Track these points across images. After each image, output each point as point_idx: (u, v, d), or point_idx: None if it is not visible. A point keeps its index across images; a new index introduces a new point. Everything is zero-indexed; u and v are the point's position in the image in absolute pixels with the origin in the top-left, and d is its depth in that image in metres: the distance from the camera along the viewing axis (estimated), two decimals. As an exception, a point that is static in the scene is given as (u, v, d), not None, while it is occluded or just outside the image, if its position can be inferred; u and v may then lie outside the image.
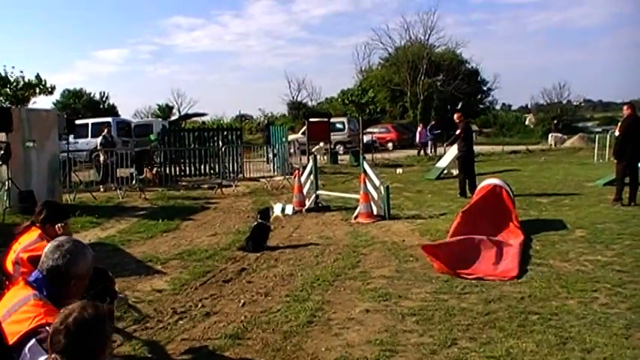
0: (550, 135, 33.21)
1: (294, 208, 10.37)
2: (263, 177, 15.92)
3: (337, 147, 28.38)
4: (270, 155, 18.15)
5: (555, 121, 37.00)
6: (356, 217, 9.21)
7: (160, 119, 36.26)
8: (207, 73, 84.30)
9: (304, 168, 11.55)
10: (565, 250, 6.53)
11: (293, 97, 55.77)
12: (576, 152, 26.98)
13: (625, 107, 10.06)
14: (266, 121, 48.29)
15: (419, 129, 26.99)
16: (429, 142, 26.39)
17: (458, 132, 12.37)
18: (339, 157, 22.98)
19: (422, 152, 25.60)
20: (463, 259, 5.90)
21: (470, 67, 47.09)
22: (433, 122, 27.17)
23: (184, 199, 12.52)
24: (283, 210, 10.22)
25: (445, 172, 16.35)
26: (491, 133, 43.46)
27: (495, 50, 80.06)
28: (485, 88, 49.89)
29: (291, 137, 24.14)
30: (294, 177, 11.38)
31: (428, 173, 16.39)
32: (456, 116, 12.78)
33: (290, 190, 12.59)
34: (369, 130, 32.52)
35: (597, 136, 24.32)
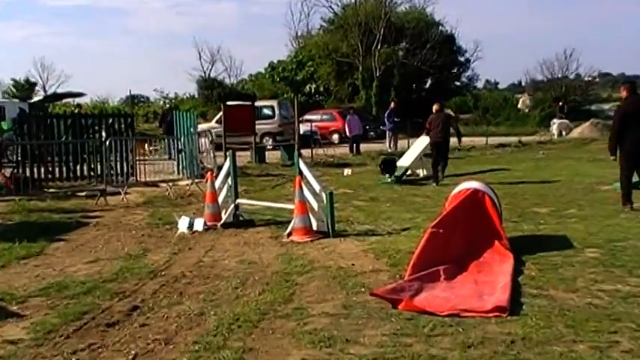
0: (553, 122, 33.85)
1: (205, 223, 10.25)
2: (163, 181, 15.67)
3: (265, 140, 28.36)
4: (174, 151, 17.90)
5: (560, 103, 37.34)
6: (289, 235, 9.19)
7: (17, 100, 35.06)
8: (84, 37, 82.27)
9: (219, 169, 11.40)
10: (571, 277, 6.66)
11: (204, 73, 55.42)
12: (587, 144, 27.91)
13: (622, 88, 10.68)
14: (167, 106, 47.75)
15: (349, 117, 26.71)
16: (388, 133, 26.77)
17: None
18: (268, 154, 22.95)
19: (354, 150, 25.47)
20: (434, 295, 5.99)
21: (443, 31, 48.04)
22: (392, 105, 27.39)
23: (52, 212, 12.13)
24: (191, 226, 10.09)
25: (409, 172, 16.63)
26: (471, 119, 44.39)
27: (477, 9, 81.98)
28: (462, 60, 51.09)
29: (201, 127, 23.91)
30: (206, 181, 11.27)
31: (386, 175, 16.62)
32: (435, 107, 14.60)
33: (200, 199, 12.40)
34: (307, 117, 32.67)
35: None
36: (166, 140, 19.22)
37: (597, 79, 53.42)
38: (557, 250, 7.80)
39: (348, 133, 26.30)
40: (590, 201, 11.78)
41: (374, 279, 6.78)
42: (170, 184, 15.20)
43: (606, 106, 49.80)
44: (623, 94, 10.65)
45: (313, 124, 28.84)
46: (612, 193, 12.61)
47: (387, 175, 16.00)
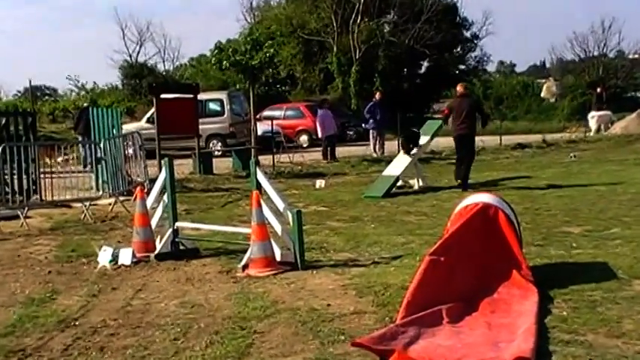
0: (591, 114, 33.87)
1: (134, 254, 10.19)
2: (78, 200, 15.53)
3: (212, 144, 28.30)
4: (91, 160, 17.75)
5: (598, 90, 37.18)
6: (245, 268, 9.16)
7: None
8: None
9: (152, 183, 11.33)
10: (615, 317, 6.66)
11: (130, 57, 55.23)
12: (633, 142, 28.16)
13: None
14: (85, 101, 47.25)
15: (319, 111, 26.85)
16: (372, 133, 26.84)
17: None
18: (215, 162, 22.88)
19: (328, 155, 25.64)
20: (435, 344, 6.00)
21: (441, 0, 48.23)
22: (378, 96, 27.43)
23: None
24: (115, 258, 10.03)
25: (400, 183, 16.68)
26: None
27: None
28: (468, 36, 51.41)
29: (127, 127, 23.77)
30: (135, 199, 11.19)
31: (370, 188, 16.67)
32: (459, 89, 16.53)
33: (128, 223, 12.31)
34: (266, 113, 32.71)
35: None
36: (82, 146, 19.10)
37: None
38: (595, 282, 7.81)
39: (320, 134, 26.36)
40: (637, 217, 11.88)
41: (356, 324, 6.77)
42: (87, 203, 15.06)
43: (658, 93, 50.19)
44: None
45: (275, 122, 28.81)
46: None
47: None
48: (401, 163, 17.02)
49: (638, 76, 49.00)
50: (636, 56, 49.50)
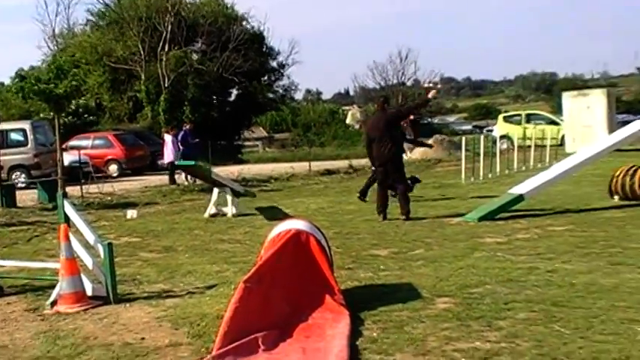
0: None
1: None
2: None
3: (14, 176, 27.31)
4: None
5: (411, 117, 38.82)
6: (54, 304, 8.84)
7: None
8: None
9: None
10: (421, 336, 6.86)
11: None
12: (431, 167, 29.40)
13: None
14: None
15: (166, 137, 27.18)
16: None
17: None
18: (19, 195, 22.06)
19: (176, 178, 25.79)
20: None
21: (248, 28, 48.79)
22: (187, 126, 27.62)
23: None
24: None
25: (213, 211, 16.70)
26: (289, 140, 45.39)
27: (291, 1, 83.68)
28: (275, 65, 52.14)
29: None
30: None
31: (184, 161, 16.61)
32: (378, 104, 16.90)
33: None
34: (73, 143, 31.89)
35: (464, 139, 26.83)
36: None
37: (439, 84, 56.53)
38: (402, 302, 8.03)
39: (167, 159, 26.57)
40: (438, 238, 12.32)
41: (172, 356, 6.66)
42: None
43: (451, 119, 53.10)
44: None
45: (83, 152, 28.20)
46: (465, 226, 13.44)
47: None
48: (213, 190, 17.00)
49: (433, 103, 51.58)
50: (430, 85, 52.13)
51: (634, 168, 15.44)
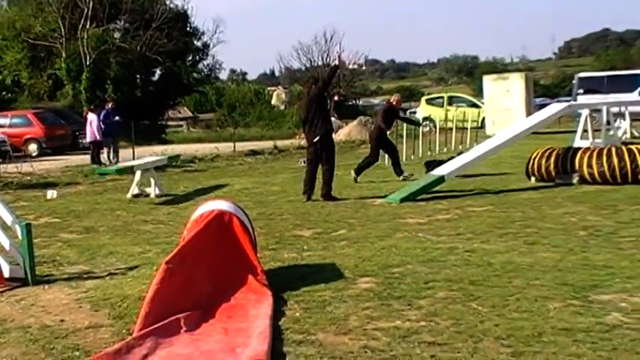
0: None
1: None
2: None
3: None
4: None
5: (335, 98, 39.03)
6: (-29, 287, 8.69)
7: None
8: None
9: None
10: (343, 315, 6.92)
11: None
12: (355, 149, 29.59)
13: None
14: None
15: (90, 116, 26.72)
16: (106, 140, 26.41)
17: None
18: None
19: (100, 158, 25.47)
20: (173, 354, 5.98)
21: (172, 7, 48.23)
22: (109, 104, 27.28)
23: None
24: None
25: (136, 192, 16.54)
26: (213, 120, 45.00)
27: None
28: (199, 45, 51.68)
29: None
30: None
31: (104, 169, 16.42)
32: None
33: None
34: (-10, 121, 31.17)
35: None
36: None
37: (364, 68, 56.78)
38: (325, 282, 8.09)
39: (90, 138, 26.38)
40: (361, 219, 12.41)
41: (92, 338, 6.58)
42: None
43: (376, 101, 53.27)
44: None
45: (0, 130, 27.64)
46: (387, 207, 13.57)
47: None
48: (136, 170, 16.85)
49: (358, 85, 51.86)
50: (355, 67, 52.23)
51: (550, 150, 15.85)
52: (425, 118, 34.90)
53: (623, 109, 25.79)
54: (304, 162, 24.19)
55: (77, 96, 42.04)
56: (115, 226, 13.08)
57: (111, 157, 25.94)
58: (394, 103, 18.88)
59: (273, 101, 47.04)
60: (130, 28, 45.24)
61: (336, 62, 16.94)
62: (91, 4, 42.60)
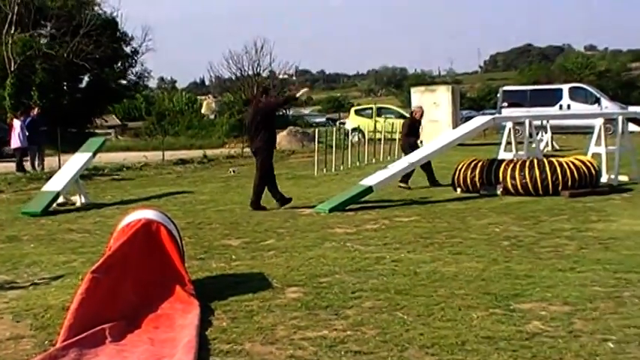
0: None
1: None
2: None
3: None
4: None
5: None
6: None
7: None
8: None
9: None
10: (270, 325, 6.93)
11: None
12: (285, 159, 29.68)
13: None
14: None
15: (15, 122, 26.20)
16: (32, 147, 25.91)
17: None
18: None
19: (25, 166, 24.90)
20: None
21: (100, 14, 47.75)
22: (35, 111, 26.85)
23: None
24: None
25: (61, 200, 16.26)
26: (142, 128, 44.57)
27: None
28: (128, 51, 51.19)
29: None
30: None
31: (29, 204, 16.06)
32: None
33: None
34: None
35: (317, 131, 27.16)
36: None
37: (294, 78, 57.12)
38: (252, 292, 8.09)
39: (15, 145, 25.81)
40: (290, 228, 12.44)
41: (13, 350, 6.44)
42: None
43: (306, 111, 53.59)
44: None
45: None
46: (316, 217, 13.63)
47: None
48: (62, 178, 16.55)
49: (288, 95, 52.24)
50: (286, 76, 52.59)
51: (475, 162, 16.14)
52: (354, 129, 35.10)
53: (545, 122, 26.50)
54: (234, 171, 24.31)
55: (1, 102, 41.22)
56: (40, 235, 12.84)
57: (36, 165, 25.45)
58: (416, 115, 19.76)
59: (203, 110, 46.87)
60: (56, 34, 44.60)
61: (295, 94, 17.13)
62: (16, 8, 41.86)
